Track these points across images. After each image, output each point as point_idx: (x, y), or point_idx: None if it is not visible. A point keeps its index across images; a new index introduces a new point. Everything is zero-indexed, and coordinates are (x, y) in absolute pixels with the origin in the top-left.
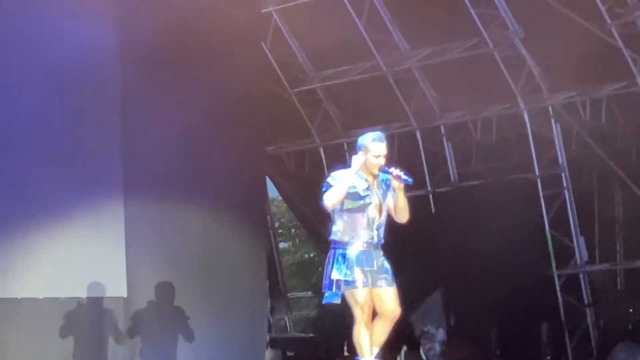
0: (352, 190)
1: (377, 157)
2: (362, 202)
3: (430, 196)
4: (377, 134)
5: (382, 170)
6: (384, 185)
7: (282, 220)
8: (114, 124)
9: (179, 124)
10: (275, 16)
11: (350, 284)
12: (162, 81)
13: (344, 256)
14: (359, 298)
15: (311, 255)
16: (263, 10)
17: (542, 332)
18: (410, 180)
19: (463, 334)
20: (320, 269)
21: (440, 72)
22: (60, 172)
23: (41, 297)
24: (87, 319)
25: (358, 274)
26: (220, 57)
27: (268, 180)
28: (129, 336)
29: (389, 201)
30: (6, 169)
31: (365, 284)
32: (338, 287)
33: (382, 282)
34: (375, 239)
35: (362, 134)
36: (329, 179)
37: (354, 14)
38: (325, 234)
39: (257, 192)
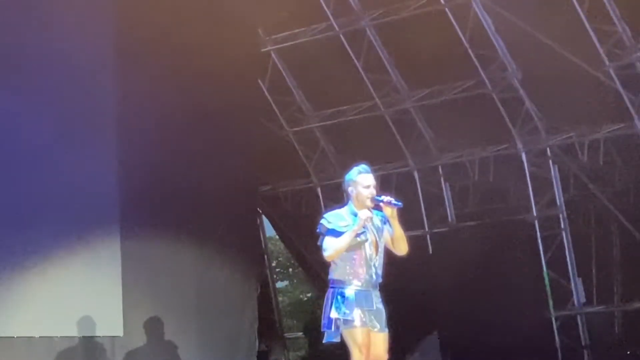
0: (349, 230)
1: (367, 187)
2: (358, 239)
3: (428, 236)
4: (362, 166)
5: (374, 199)
6: (379, 222)
7: (279, 259)
8: (111, 161)
9: (175, 163)
10: (273, 56)
11: (348, 323)
12: (160, 117)
13: (342, 295)
14: (357, 338)
15: (308, 295)
16: (262, 50)
17: None
18: (400, 204)
19: None
20: (317, 310)
21: (438, 112)
22: (57, 210)
23: (37, 336)
24: (82, 359)
25: (357, 314)
26: (219, 95)
27: (265, 220)
28: None
29: (386, 236)
30: (1, 206)
31: (363, 324)
32: (337, 327)
33: (377, 326)
34: (374, 277)
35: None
36: (322, 221)
37: (352, 54)
38: (322, 274)
39: (251, 231)
